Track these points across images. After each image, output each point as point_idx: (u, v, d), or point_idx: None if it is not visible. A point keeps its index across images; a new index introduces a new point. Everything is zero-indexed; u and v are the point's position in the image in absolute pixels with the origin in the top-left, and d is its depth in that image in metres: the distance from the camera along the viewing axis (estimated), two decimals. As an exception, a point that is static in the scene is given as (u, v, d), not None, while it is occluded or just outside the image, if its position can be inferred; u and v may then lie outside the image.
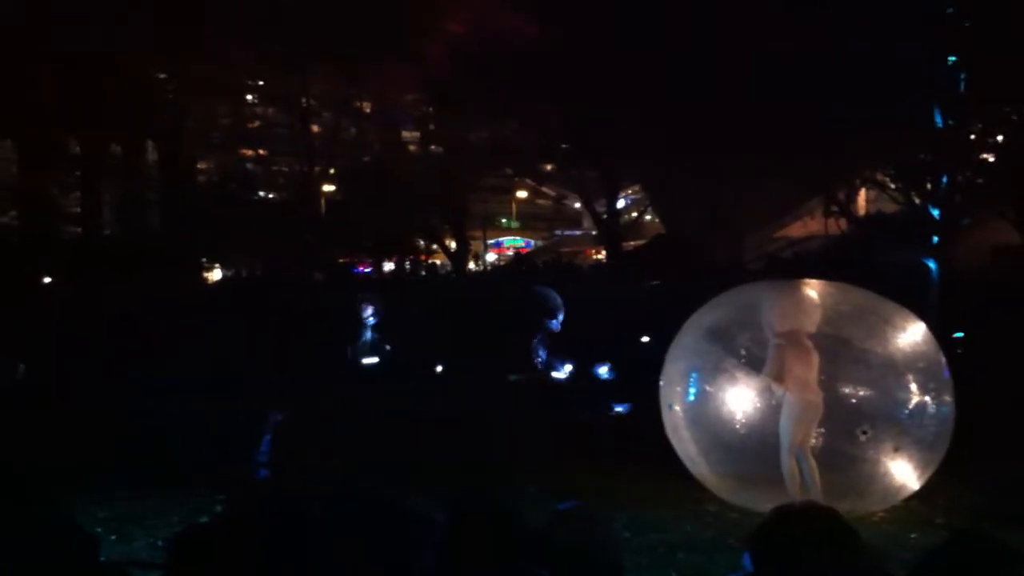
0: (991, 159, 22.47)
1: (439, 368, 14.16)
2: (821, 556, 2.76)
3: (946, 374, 8.53)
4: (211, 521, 2.99)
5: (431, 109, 31.79)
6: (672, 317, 9.80)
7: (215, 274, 30.47)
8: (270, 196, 32.18)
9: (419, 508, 2.84)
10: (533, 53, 23.69)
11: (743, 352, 8.92)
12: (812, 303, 8.66)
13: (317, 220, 29.71)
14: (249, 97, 32.38)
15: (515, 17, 24.60)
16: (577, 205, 42.04)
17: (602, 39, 22.91)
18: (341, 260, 29.66)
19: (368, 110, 34.23)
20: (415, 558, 2.71)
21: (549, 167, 33.44)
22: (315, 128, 32.60)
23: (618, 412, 12.15)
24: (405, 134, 36.55)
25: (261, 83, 31.08)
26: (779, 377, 8.43)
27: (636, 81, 22.19)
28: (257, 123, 33.09)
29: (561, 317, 11.75)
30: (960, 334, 14.31)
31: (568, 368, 11.71)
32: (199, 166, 31.05)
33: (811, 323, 8.55)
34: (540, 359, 11.64)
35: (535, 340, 11.70)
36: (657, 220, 41.44)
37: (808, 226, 41.03)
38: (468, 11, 25.67)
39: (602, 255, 37.45)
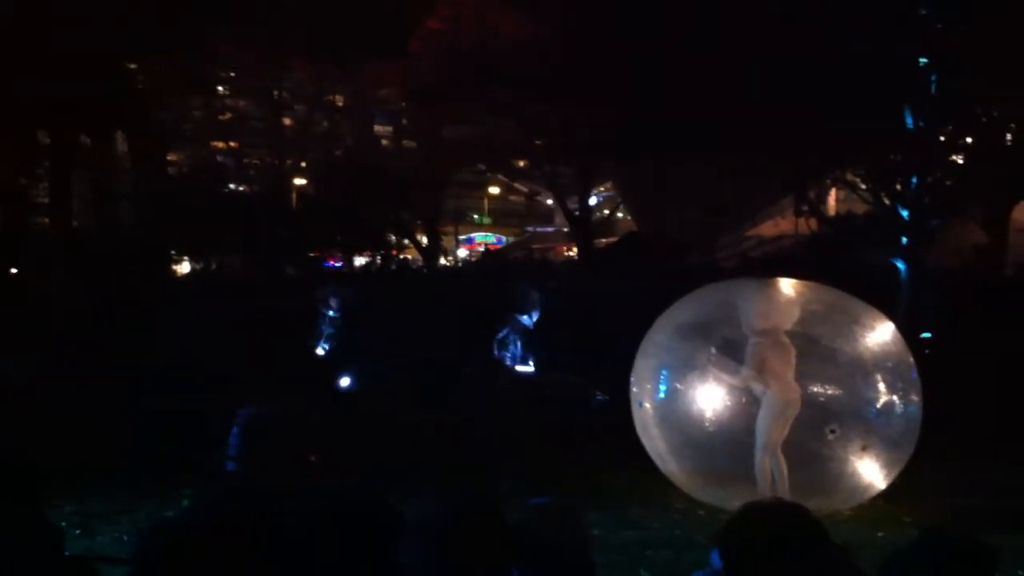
0: (960, 161, 22.67)
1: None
2: (790, 552, 2.77)
3: (914, 374, 8.60)
4: (177, 516, 2.96)
5: (405, 104, 31.71)
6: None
7: (183, 267, 30.29)
8: (241, 189, 32.02)
9: (393, 503, 2.82)
10: (519, 49, 23.67)
11: (714, 350, 8.94)
12: (790, 301, 8.73)
13: (289, 214, 29.58)
14: (221, 89, 32.16)
15: (502, 13, 24.54)
16: (549, 201, 42.07)
17: (588, 36, 22.90)
18: (312, 254, 29.51)
19: (341, 104, 34.12)
20: (389, 555, 2.69)
21: (522, 163, 33.44)
22: (287, 121, 32.46)
23: (600, 402, 12.13)
24: (378, 128, 36.48)
25: (234, 75, 30.84)
26: (760, 374, 8.47)
27: (622, 77, 22.21)
28: (229, 115, 32.87)
29: (536, 316, 11.67)
30: (928, 334, 14.42)
31: (531, 364, 11.66)
32: (170, 158, 30.80)
33: (789, 320, 8.61)
34: (510, 353, 11.57)
35: (503, 333, 11.60)
36: (629, 217, 41.56)
37: (780, 225, 41.26)
38: (451, 6, 25.58)
39: (573, 252, 37.50)
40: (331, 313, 12.86)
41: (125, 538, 7.87)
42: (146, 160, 27.54)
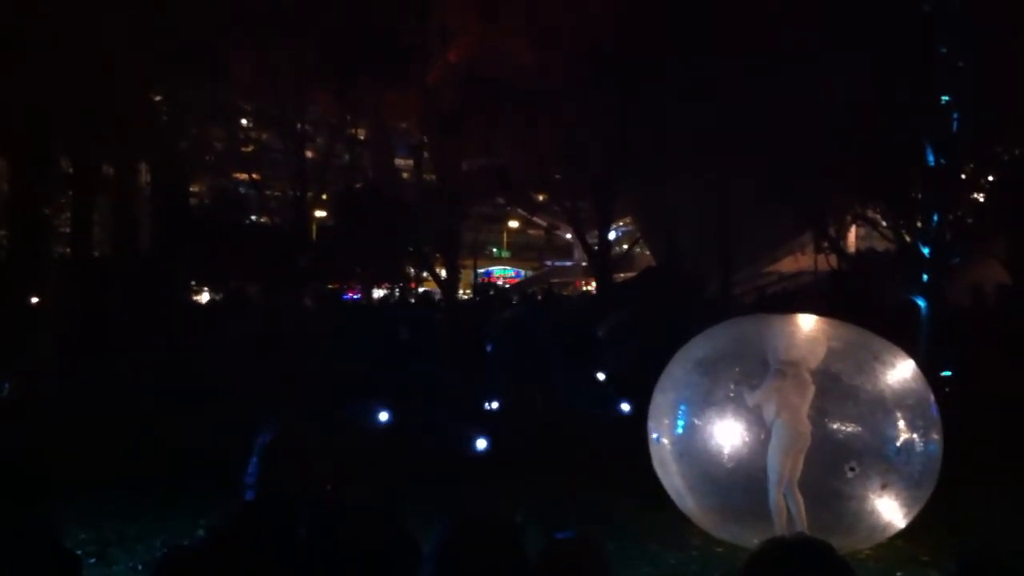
0: (981, 199, 22.60)
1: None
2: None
3: (934, 412, 8.53)
4: (193, 544, 2.95)
5: (425, 138, 31.89)
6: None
7: (203, 297, 30.42)
8: (262, 220, 32.18)
9: (410, 528, 2.82)
10: (538, 81, 23.82)
11: (733, 385, 8.90)
12: (817, 338, 8.68)
13: (308, 245, 29.70)
14: (244, 121, 32.41)
15: (517, 42, 24.70)
16: (568, 236, 42.12)
17: (606, 69, 23.03)
18: (331, 286, 29.61)
19: (362, 136, 34.30)
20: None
21: (542, 197, 33.54)
22: (309, 153, 32.64)
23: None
24: (399, 161, 36.65)
25: (256, 106, 31.08)
26: (774, 401, 8.43)
27: (644, 107, 22.30)
28: (251, 147, 33.10)
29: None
30: (948, 372, 14.32)
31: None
32: (192, 188, 31.01)
33: (815, 358, 8.56)
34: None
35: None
36: (648, 252, 41.56)
37: (799, 261, 41.19)
38: (470, 36, 25.76)
39: (592, 286, 37.50)
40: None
41: (140, 567, 7.86)
42: (168, 190, 27.72)
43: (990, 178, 22.51)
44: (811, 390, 8.48)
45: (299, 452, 3.31)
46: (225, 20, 23.61)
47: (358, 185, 33.38)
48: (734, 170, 20.45)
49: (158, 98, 26.29)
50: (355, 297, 32.53)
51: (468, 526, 2.76)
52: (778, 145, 18.36)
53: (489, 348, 13.90)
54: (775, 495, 8.43)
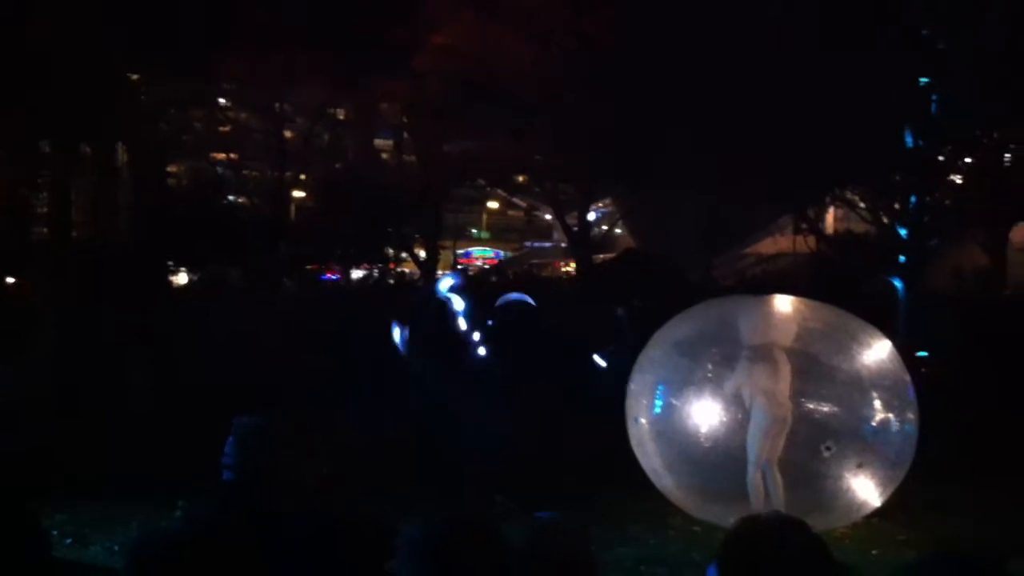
0: (959, 181, 22.71)
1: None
2: (791, 569, 2.74)
3: (910, 393, 8.59)
4: (170, 526, 2.95)
5: (406, 119, 31.76)
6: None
7: (180, 279, 30.27)
8: (240, 201, 32.02)
9: (391, 519, 2.82)
10: (523, 70, 23.72)
11: (711, 366, 8.94)
12: (785, 317, 8.73)
13: (288, 227, 29.59)
14: (222, 101, 32.19)
15: (506, 32, 24.55)
16: (548, 217, 42.12)
17: (591, 61, 22.96)
18: (309, 267, 29.52)
19: (343, 118, 34.16)
20: (380, 571, 2.68)
21: (522, 179, 33.50)
22: (288, 134, 32.47)
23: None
24: (379, 142, 36.52)
25: (236, 88, 30.87)
26: (748, 387, 8.49)
27: (623, 102, 22.25)
28: (229, 128, 32.90)
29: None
30: (925, 353, 14.41)
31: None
32: (169, 169, 30.80)
33: (785, 337, 8.61)
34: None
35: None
36: (627, 234, 41.63)
37: (778, 243, 41.34)
38: (458, 25, 25.59)
39: (572, 268, 37.53)
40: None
41: (116, 548, 7.85)
42: (146, 171, 27.53)
43: (968, 160, 22.62)
44: (786, 369, 8.52)
45: (277, 434, 3.30)
46: (214, 15, 23.41)
47: (338, 166, 33.28)
48: (723, 163, 20.43)
49: (135, 77, 26.07)
50: (333, 278, 32.45)
51: (443, 520, 2.77)
52: (759, 131, 18.38)
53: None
54: (754, 474, 8.50)
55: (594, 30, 22.91)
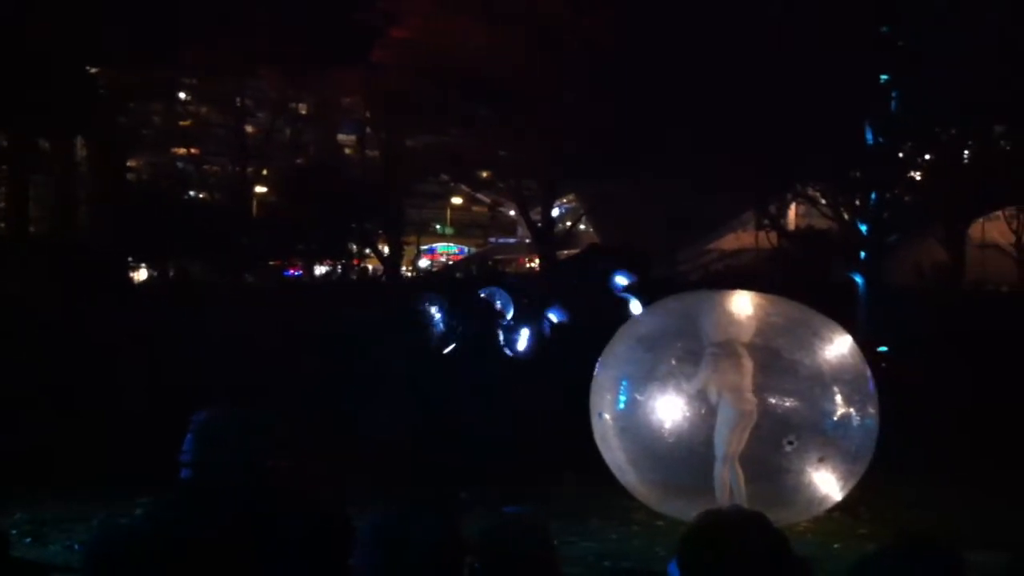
0: (919, 177, 22.94)
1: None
2: (751, 562, 2.74)
3: (871, 387, 8.65)
4: (129, 522, 2.91)
5: (368, 113, 31.62)
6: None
7: (141, 274, 30.00)
8: (202, 196, 31.75)
9: (346, 510, 2.80)
10: (485, 62, 23.64)
11: (674, 361, 8.95)
12: (746, 313, 8.76)
13: (250, 222, 29.38)
14: (182, 95, 31.90)
15: (469, 24, 24.45)
16: (512, 213, 42.10)
17: (552, 52, 22.93)
18: (272, 263, 29.34)
19: (305, 112, 33.96)
20: (341, 561, 2.67)
21: (486, 174, 33.46)
22: (250, 128, 32.23)
23: None
24: (341, 137, 36.34)
25: (196, 81, 30.59)
26: (713, 384, 8.53)
27: (585, 94, 22.26)
28: (190, 121, 32.62)
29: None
30: (885, 348, 14.54)
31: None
32: (129, 164, 30.52)
33: (746, 333, 8.64)
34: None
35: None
36: (592, 229, 41.70)
37: (741, 239, 41.62)
38: (419, 17, 25.47)
39: (536, 263, 37.56)
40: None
41: (77, 547, 7.75)
42: (105, 165, 27.25)
43: (927, 157, 22.84)
44: (749, 364, 8.56)
45: (235, 431, 3.27)
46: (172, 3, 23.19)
47: (300, 161, 33.08)
48: (684, 157, 20.51)
49: (94, 71, 25.78)
50: (296, 274, 32.29)
51: (397, 511, 2.76)
52: (722, 126, 18.46)
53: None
54: (720, 469, 8.54)
55: (555, 15, 22.88)
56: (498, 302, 11.87)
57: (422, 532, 2.70)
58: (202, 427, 3.25)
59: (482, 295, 12.70)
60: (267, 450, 3.33)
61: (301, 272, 32.53)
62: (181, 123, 32.01)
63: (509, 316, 11.85)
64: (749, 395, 8.54)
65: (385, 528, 2.70)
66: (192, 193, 31.37)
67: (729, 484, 8.52)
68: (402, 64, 25.34)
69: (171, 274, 28.00)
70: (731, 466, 8.56)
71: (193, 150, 31.96)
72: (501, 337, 12.48)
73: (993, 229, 38.36)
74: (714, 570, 2.75)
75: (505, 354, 12.41)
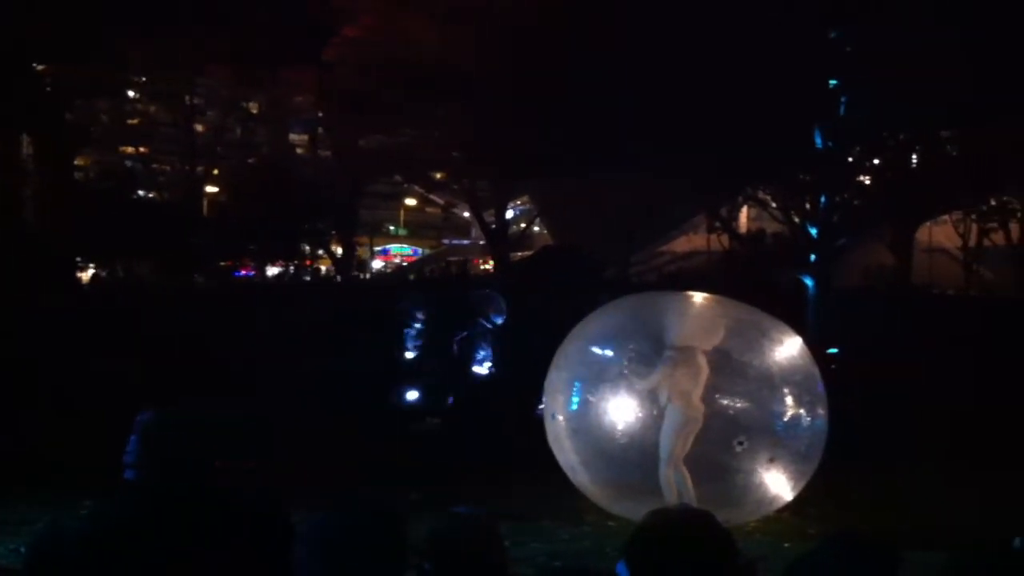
0: (867, 181, 23.21)
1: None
2: (696, 558, 2.76)
3: (820, 388, 8.73)
4: (74, 523, 2.86)
5: (321, 113, 31.43)
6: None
7: (87, 274, 29.59)
8: (151, 195, 31.37)
9: (289, 514, 2.78)
10: (439, 62, 23.56)
11: (627, 363, 8.98)
12: (717, 323, 8.79)
13: (200, 222, 29.08)
14: (131, 93, 31.52)
15: (422, 24, 24.37)
16: (466, 214, 42.07)
17: (506, 53, 22.89)
18: (223, 263, 29.06)
19: (256, 111, 33.69)
20: (284, 562, 2.64)
21: (439, 175, 33.40)
22: (199, 127, 31.90)
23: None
24: (293, 137, 36.10)
25: (144, 79, 30.23)
26: (666, 387, 8.56)
27: (539, 93, 22.25)
28: (138, 120, 32.24)
29: (499, 319, 11.79)
30: (834, 350, 14.70)
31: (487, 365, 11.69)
32: (76, 162, 30.07)
33: (710, 343, 8.68)
34: (479, 355, 11.66)
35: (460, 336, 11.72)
36: (546, 231, 41.76)
37: (692, 242, 41.91)
38: (372, 16, 25.33)
39: (490, 265, 37.54)
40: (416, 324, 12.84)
41: (22, 550, 7.62)
42: (52, 163, 26.82)
43: (876, 162, 23.12)
44: (704, 374, 8.60)
45: (180, 431, 3.23)
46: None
47: (251, 160, 32.82)
48: (639, 158, 20.58)
49: (40, 67, 25.37)
50: (249, 275, 32.02)
51: (341, 511, 2.74)
52: (673, 127, 18.55)
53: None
54: (666, 471, 8.58)
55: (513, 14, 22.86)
56: (490, 307, 11.86)
57: (363, 534, 2.69)
58: (147, 427, 3.21)
59: (475, 297, 12.70)
60: (213, 450, 3.28)
61: (253, 273, 32.26)
62: (129, 121, 31.63)
63: (499, 321, 11.83)
64: (698, 403, 8.59)
65: (326, 530, 2.69)
66: (141, 192, 31.00)
67: (676, 485, 8.57)
68: (355, 62, 25.22)
69: (120, 274, 27.68)
70: (677, 468, 8.60)
71: (142, 149, 31.61)
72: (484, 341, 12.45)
73: (940, 233, 38.96)
74: (662, 569, 2.76)
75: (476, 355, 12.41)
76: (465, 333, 11.75)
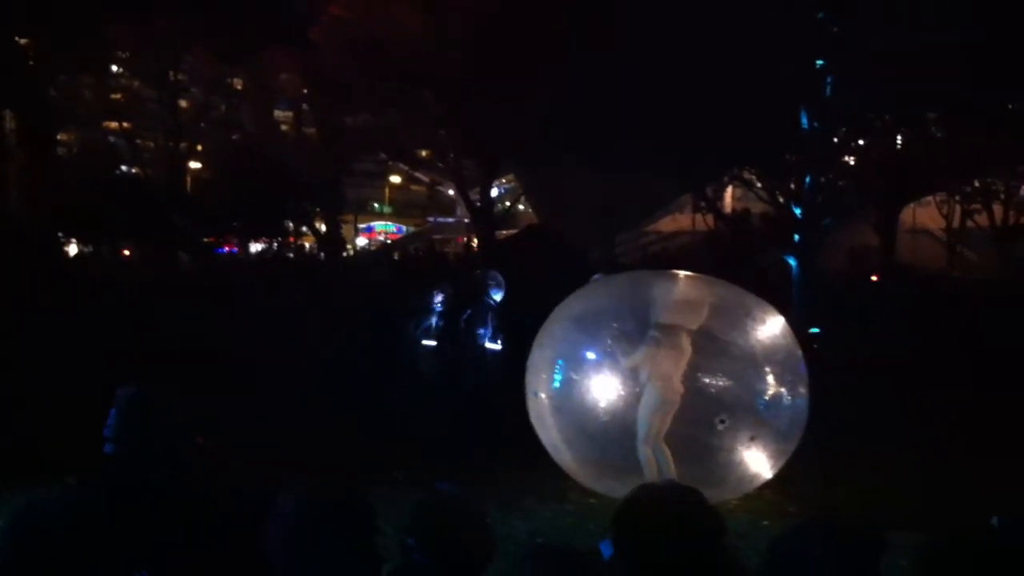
0: (852, 162, 23.24)
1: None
2: (683, 533, 2.76)
3: (802, 367, 8.76)
4: (52, 498, 2.85)
5: (305, 91, 31.27)
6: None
7: (71, 250, 29.46)
8: (134, 171, 31.20)
9: (268, 491, 2.78)
10: (423, 43, 23.46)
11: (610, 341, 8.99)
12: (701, 303, 8.80)
13: (183, 198, 28.96)
14: (115, 68, 31.29)
15: (407, 6, 24.24)
16: (451, 192, 41.98)
17: (491, 34, 22.80)
18: (206, 240, 28.96)
19: (240, 88, 33.50)
20: (256, 541, 2.64)
21: (424, 153, 33.31)
22: (184, 104, 31.71)
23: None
24: (278, 114, 35.93)
25: (129, 56, 30.02)
26: (647, 367, 8.58)
27: (524, 75, 22.18)
28: (122, 96, 32.01)
29: (501, 295, 11.81)
30: (817, 330, 14.74)
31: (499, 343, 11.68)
32: (60, 138, 29.88)
33: (694, 323, 8.70)
34: (482, 332, 11.66)
35: (467, 314, 11.72)
36: (530, 210, 41.73)
37: (678, 221, 41.94)
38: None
39: (475, 243, 37.50)
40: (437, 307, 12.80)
41: None
42: (35, 140, 26.64)
43: (861, 143, 23.14)
44: (687, 356, 8.61)
45: (158, 407, 3.22)
46: None
47: (235, 137, 32.66)
48: (612, 140, 20.56)
49: (23, 41, 25.16)
50: (232, 251, 31.91)
51: (312, 496, 2.75)
52: (655, 110, 18.52)
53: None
54: (644, 450, 8.61)
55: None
56: (492, 285, 11.86)
57: (330, 519, 2.70)
58: (127, 402, 3.20)
59: (478, 274, 12.69)
60: (193, 426, 3.28)
61: (236, 250, 32.16)
62: (113, 97, 31.39)
63: (498, 297, 11.85)
64: (678, 384, 8.61)
65: (294, 515, 2.69)
66: (124, 168, 30.82)
67: (657, 463, 8.60)
68: (339, 43, 25.09)
69: (104, 252, 27.56)
70: (658, 446, 8.63)
71: (125, 125, 31.38)
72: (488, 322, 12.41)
73: (924, 215, 39.11)
74: (649, 544, 2.75)
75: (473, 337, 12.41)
76: (469, 312, 11.77)
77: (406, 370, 12.74)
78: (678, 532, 2.74)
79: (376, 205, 55.59)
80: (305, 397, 12.40)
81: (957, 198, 34.97)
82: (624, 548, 2.81)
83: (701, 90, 17.72)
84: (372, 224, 54.68)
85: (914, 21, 16.82)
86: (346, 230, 40.05)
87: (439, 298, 12.89)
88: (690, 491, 3.00)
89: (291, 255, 31.76)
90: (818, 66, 18.05)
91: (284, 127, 35.92)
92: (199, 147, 32.29)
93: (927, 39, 16.56)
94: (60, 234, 26.72)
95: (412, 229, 55.45)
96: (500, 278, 11.96)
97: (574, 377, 9.02)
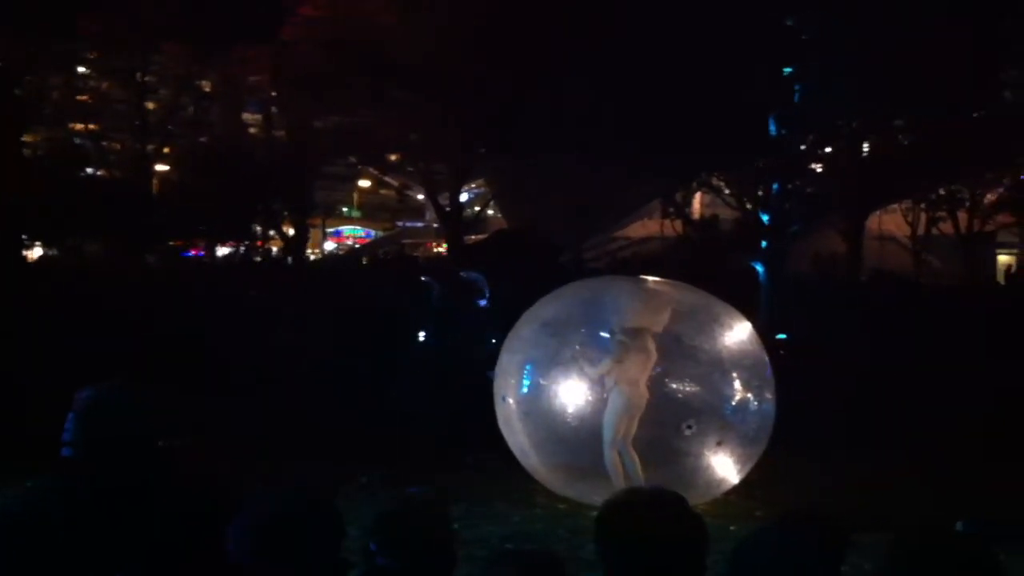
0: (820, 169, 23.40)
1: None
2: (666, 538, 2.75)
3: (769, 373, 8.80)
4: (8, 504, 2.81)
5: (275, 92, 31.10)
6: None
7: (35, 253, 29.15)
8: (100, 173, 30.88)
9: (230, 490, 2.75)
10: (395, 41, 23.38)
11: (578, 346, 9.00)
12: (664, 305, 8.83)
13: (150, 201, 28.72)
14: (81, 68, 30.97)
15: (379, 3, 24.16)
16: (420, 197, 41.89)
17: (464, 32, 22.77)
18: (172, 243, 28.73)
19: (209, 89, 33.26)
20: (220, 542, 2.62)
21: (394, 157, 33.21)
22: (151, 104, 31.43)
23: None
24: (247, 116, 35.71)
25: (96, 55, 29.72)
26: (615, 371, 8.59)
27: (496, 75, 22.16)
28: (89, 96, 31.69)
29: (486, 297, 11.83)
30: (784, 335, 14.81)
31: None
32: (25, 139, 29.52)
33: (659, 324, 8.72)
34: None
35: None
36: (500, 215, 41.71)
37: (647, 227, 42.06)
38: None
39: (443, 248, 37.44)
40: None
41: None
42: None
43: (828, 150, 23.31)
44: (652, 360, 8.63)
45: (121, 409, 3.17)
46: None
47: (204, 139, 32.43)
48: (582, 143, 20.60)
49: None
50: (198, 255, 31.69)
51: (279, 498, 2.73)
52: (625, 114, 18.58)
53: None
54: (610, 454, 8.62)
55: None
56: (475, 289, 11.90)
57: (292, 521, 2.68)
58: (86, 405, 3.15)
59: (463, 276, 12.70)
60: (156, 428, 3.24)
61: (203, 253, 31.93)
62: (80, 97, 31.07)
63: (482, 304, 11.88)
64: (643, 389, 8.63)
65: (256, 516, 2.68)
66: (91, 170, 30.51)
67: (624, 467, 8.61)
68: (311, 41, 24.99)
69: (70, 254, 27.28)
70: (625, 450, 8.65)
71: (92, 126, 31.06)
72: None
73: (890, 221, 39.42)
74: (630, 548, 2.74)
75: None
76: (475, 311, 11.85)
77: (387, 370, 12.71)
78: (660, 536, 2.74)
79: (345, 209, 55.41)
80: (280, 397, 12.33)
81: (922, 205, 35.26)
82: (606, 552, 2.81)
83: (670, 95, 17.78)
84: (340, 228, 54.50)
85: (881, 27, 16.98)
86: (314, 234, 39.86)
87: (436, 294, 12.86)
88: (674, 496, 3.00)
89: (258, 259, 31.54)
90: (786, 73, 18.16)
91: (253, 129, 35.70)
92: (167, 149, 32.01)
93: (896, 43, 16.72)
94: (24, 236, 26.42)
95: (381, 233, 55.30)
96: (483, 286, 12.00)
97: (542, 382, 9.02)
